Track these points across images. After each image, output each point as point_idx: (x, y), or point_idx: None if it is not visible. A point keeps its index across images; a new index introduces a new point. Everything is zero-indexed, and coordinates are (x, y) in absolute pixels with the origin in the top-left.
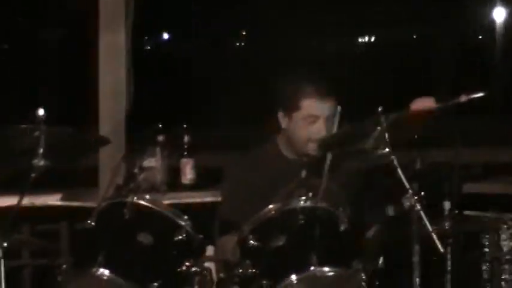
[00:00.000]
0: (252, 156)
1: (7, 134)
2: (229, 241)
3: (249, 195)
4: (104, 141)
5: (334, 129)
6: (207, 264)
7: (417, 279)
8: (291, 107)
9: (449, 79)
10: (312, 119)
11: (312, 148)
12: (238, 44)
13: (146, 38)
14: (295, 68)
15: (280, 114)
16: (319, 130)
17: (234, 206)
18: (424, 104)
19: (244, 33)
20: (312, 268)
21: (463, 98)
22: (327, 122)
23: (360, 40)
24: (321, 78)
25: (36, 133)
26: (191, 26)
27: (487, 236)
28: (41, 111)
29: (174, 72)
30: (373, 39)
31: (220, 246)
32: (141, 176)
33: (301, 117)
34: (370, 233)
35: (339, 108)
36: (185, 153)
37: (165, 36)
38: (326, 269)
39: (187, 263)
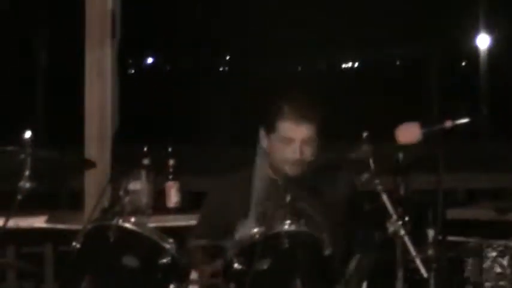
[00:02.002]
0: (233, 178)
1: None
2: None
3: (227, 217)
4: (90, 165)
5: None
6: (191, 287)
7: None
8: (269, 128)
9: (436, 104)
10: (287, 141)
11: (289, 170)
12: (222, 69)
13: (132, 59)
14: (276, 89)
15: (262, 134)
16: (294, 152)
17: (206, 229)
18: (409, 130)
19: (228, 58)
20: None
21: (448, 124)
22: (304, 145)
23: (345, 65)
24: (299, 101)
25: (22, 156)
26: (176, 48)
27: (470, 262)
28: (27, 134)
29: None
30: (357, 63)
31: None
32: (127, 199)
33: (277, 139)
34: (354, 260)
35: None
36: (170, 176)
37: (150, 58)
38: None
39: (171, 286)
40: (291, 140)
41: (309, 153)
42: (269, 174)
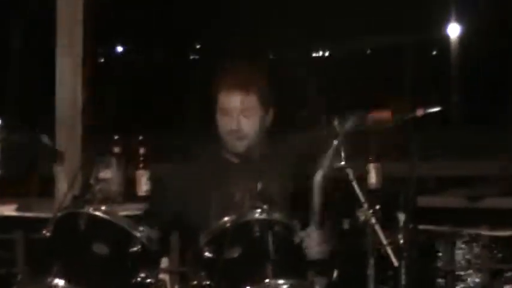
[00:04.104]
0: (191, 163)
1: None
2: None
3: (184, 204)
4: (59, 155)
5: (260, 127)
6: (162, 275)
7: None
8: (213, 104)
9: (408, 92)
10: (224, 112)
11: (233, 145)
12: (192, 57)
13: (102, 47)
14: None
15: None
16: (231, 123)
17: (158, 212)
18: (381, 116)
19: (198, 46)
20: (267, 280)
21: (420, 112)
22: (241, 116)
23: (316, 54)
24: (235, 70)
25: None
26: (147, 36)
27: (442, 250)
28: None
29: (130, 83)
30: (328, 52)
31: None
32: (97, 187)
33: (218, 112)
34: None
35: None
36: (141, 165)
37: (120, 46)
38: (281, 281)
39: (142, 275)
40: (227, 111)
41: (249, 125)
42: (225, 156)
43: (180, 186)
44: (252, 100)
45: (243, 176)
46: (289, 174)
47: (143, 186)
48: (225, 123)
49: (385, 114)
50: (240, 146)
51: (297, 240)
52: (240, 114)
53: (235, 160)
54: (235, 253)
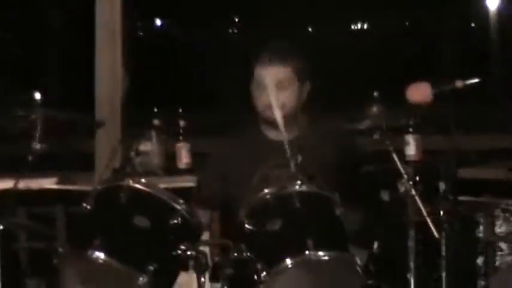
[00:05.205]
0: (234, 139)
1: (4, 118)
2: None
3: (230, 178)
4: (99, 124)
5: (297, 99)
6: (202, 248)
7: (412, 264)
8: (251, 80)
9: (448, 66)
10: (261, 86)
11: (272, 115)
12: (231, 30)
13: (141, 21)
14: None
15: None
16: (268, 97)
17: (206, 187)
18: (420, 89)
19: (237, 20)
20: (307, 252)
21: (459, 84)
22: (277, 88)
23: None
24: (271, 45)
25: (33, 116)
26: (186, 10)
27: (482, 221)
28: (37, 95)
29: (169, 57)
30: (367, 26)
31: None
32: (137, 160)
33: (255, 88)
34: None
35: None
36: (180, 137)
37: (159, 20)
38: (321, 253)
39: (182, 247)
40: (264, 85)
41: (286, 97)
42: (265, 131)
43: (224, 160)
44: (288, 72)
45: (281, 149)
46: (328, 149)
47: (183, 158)
48: (263, 99)
49: (423, 86)
50: (277, 118)
51: (337, 212)
52: (276, 87)
53: (273, 133)
54: (275, 225)
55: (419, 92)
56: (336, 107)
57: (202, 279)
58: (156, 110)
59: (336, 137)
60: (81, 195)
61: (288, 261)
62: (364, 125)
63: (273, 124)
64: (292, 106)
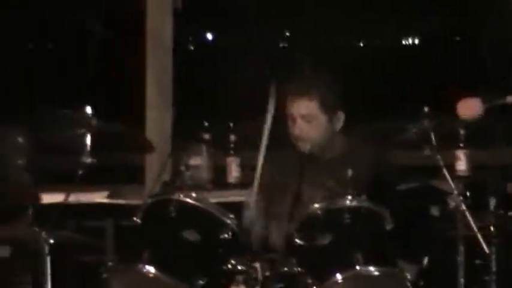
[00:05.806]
0: (279, 155)
1: (56, 131)
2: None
3: (273, 193)
4: (149, 148)
5: (326, 131)
6: (252, 262)
7: (462, 279)
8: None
9: (495, 79)
10: (290, 117)
11: (298, 146)
12: (282, 45)
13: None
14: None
15: None
16: (294, 128)
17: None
18: (471, 104)
19: (287, 34)
20: (357, 267)
21: (510, 99)
22: (302, 121)
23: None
24: (300, 76)
25: (83, 130)
26: (234, 24)
27: None
28: (88, 109)
29: (220, 70)
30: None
31: None
32: (187, 174)
33: (287, 116)
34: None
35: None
36: (231, 151)
37: (209, 33)
38: (371, 268)
39: (232, 261)
40: (291, 116)
41: (310, 129)
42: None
43: (268, 177)
44: (313, 107)
45: (310, 175)
46: (365, 174)
47: (233, 173)
48: (291, 128)
49: (474, 102)
50: (304, 148)
51: (387, 227)
52: (302, 120)
53: (302, 160)
54: (325, 240)
55: (470, 107)
56: (384, 121)
57: None
58: (206, 124)
59: (375, 157)
60: (131, 209)
61: (338, 276)
62: (411, 137)
63: (299, 150)
64: (320, 137)
